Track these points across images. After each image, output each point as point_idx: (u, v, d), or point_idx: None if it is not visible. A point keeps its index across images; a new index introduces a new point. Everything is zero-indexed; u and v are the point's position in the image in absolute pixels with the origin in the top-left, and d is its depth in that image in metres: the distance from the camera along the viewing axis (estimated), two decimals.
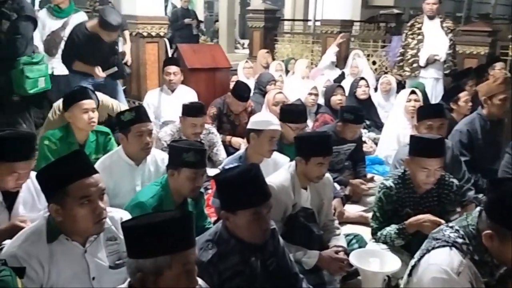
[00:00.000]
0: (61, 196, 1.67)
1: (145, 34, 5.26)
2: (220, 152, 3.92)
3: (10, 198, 2.27)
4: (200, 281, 1.55)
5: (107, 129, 3.42)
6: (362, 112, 3.63)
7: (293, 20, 10.75)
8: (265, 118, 3.02)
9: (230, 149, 4.07)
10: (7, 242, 2.09)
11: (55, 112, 3.53)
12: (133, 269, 1.36)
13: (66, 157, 1.77)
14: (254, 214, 1.79)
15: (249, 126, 2.99)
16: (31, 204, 2.34)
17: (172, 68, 4.68)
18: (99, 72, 4.26)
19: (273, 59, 7.26)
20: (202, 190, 2.67)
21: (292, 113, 3.35)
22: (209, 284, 1.70)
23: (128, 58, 5.14)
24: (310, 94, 4.57)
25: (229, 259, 1.83)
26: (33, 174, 2.35)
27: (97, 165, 2.59)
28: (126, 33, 5.19)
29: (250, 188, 1.81)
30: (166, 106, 4.67)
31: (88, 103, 3.08)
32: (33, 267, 1.68)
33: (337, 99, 4.57)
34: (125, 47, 5.21)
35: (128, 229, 1.40)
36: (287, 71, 6.55)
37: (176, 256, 1.34)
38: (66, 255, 1.75)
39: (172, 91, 4.71)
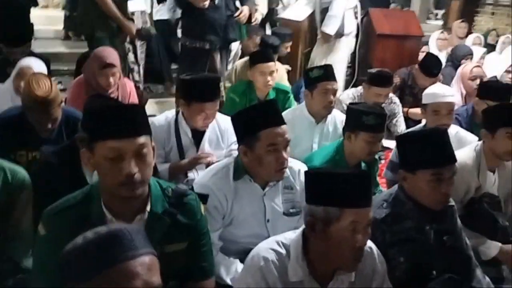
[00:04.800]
0: (251, 140, 1.78)
1: None
2: (400, 123, 3.75)
3: (198, 136, 2.52)
4: (369, 243, 1.52)
5: (287, 87, 3.51)
6: None
7: None
8: (430, 91, 2.81)
9: (409, 123, 3.88)
10: (191, 175, 2.36)
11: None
12: (306, 213, 1.41)
13: (261, 104, 1.90)
14: (434, 175, 1.67)
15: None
16: (216, 143, 2.57)
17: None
18: None
19: (470, 32, 6.62)
20: (376, 157, 2.61)
21: (493, 90, 2.96)
22: (381, 241, 1.66)
23: None
24: (508, 71, 4.04)
25: (403, 222, 1.75)
26: (218, 115, 2.58)
27: None
28: None
29: (433, 147, 1.69)
30: None
31: (266, 67, 3.14)
32: (219, 199, 1.85)
33: None
34: None
35: (308, 175, 1.47)
36: (485, 46, 5.92)
37: (345, 210, 1.34)
38: (248, 194, 1.89)
39: None
